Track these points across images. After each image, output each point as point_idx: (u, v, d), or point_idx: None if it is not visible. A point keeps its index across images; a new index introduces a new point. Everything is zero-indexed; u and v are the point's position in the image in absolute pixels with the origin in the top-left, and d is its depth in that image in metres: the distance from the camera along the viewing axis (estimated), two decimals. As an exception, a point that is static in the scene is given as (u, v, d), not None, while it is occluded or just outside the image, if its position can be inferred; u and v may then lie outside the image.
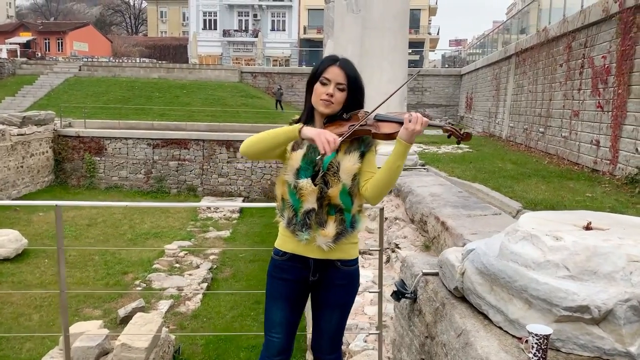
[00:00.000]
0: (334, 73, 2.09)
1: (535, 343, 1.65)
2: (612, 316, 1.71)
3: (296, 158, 2.10)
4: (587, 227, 2.05)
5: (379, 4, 6.36)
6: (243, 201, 18.76)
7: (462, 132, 2.08)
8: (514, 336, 1.89)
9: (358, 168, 2.09)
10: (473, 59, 27.77)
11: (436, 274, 2.50)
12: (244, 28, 48.80)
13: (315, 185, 2.06)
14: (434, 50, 49.24)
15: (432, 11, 50.41)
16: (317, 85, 2.11)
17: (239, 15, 48.89)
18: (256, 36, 45.54)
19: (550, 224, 2.07)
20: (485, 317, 2.05)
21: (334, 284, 2.21)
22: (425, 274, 2.53)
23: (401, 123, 2.02)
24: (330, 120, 2.13)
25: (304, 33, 47.21)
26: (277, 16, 48.46)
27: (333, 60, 2.13)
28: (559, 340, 1.77)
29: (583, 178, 7.56)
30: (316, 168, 2.09)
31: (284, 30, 48.28)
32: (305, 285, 2.22)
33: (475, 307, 2.12)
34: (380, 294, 2.81)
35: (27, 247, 11.40)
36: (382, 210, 2.75)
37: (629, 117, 7.41)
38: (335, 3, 11.68)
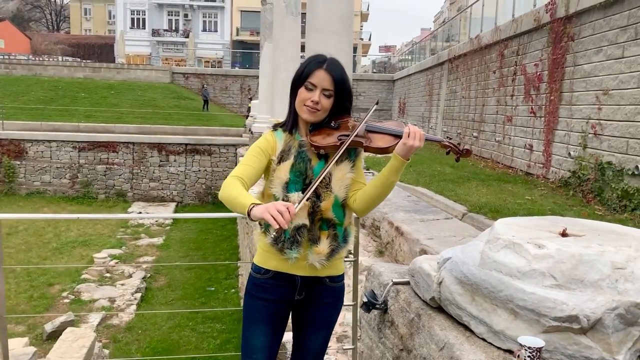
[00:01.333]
0: (321, 77, 1.89)
1: (528, 356, 1.59)
2: (601, 325, 1.67)
3: (284, 170, 1.93)
4: (564, 234, 2.03)
5: (324, 6, 6.28)
6: (177, 206, 18.18)
7: (461, 149, 1.97)
8: (499, 348, 1.82)
9: (351, 178, 1.96)
10: (404, 65, 28.43)
11: (407, 283, 2.42)
12: (174, 28, 47.58)
13: (307, 200, 1.87)
14: (366, 55, 50.10)
15: (364, 17, 51.29)
16: (302, 90, 1.91)
17: (168, 15, 47.64)
18: (187, 36, 44.55)
19: (527, 231, 2.04)
20: (467, 328, 1.98)
21: (321, 302, 2.05)
22: (395, 283, 2.44)
23: (396, 136, 1.88)
24: (316, 128, 1.96)
25: (237, 35, 46.65)
26: (208, 17, 47.61)
27: (319, 62, 1.92)
28: (547, 350, 1.72)
29: (519, 181, 7.83)
30: (307, 181, 1.93)
31: (216, 31, 47.49)
32: (289, 305, 2.04)
33: (455, 318, 2.04)
34: (355, 306, 2.69)
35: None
36: (357, 219, 2.64)
37: (561, 123, 7.75)
38: (274, 5, 11.54)
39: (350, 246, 2.13)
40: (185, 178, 18.62)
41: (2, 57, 36.98)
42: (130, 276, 11.06)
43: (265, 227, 1.98)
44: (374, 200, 1.96)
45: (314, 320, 2.08)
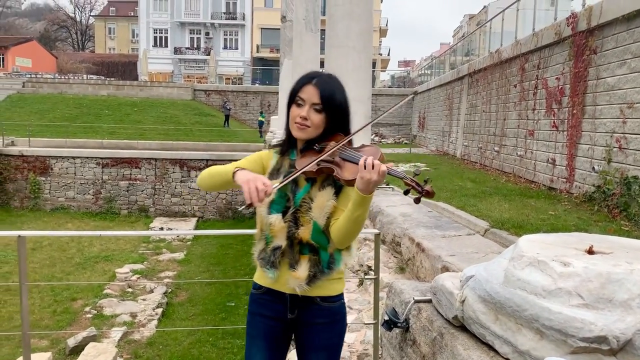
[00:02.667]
0: (309, 92, 1.83)
1: (556, 378, 1.54)
2: (631, 347, 1.63)
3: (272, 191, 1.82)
4: (590, 251, 1.98)
5: (343, 23, 6.32)
6: (197, 221, 18.30)
7: (423, 189, 1.73)
8: (525, 369, 1.78)
9: (333, 206, 1.84)
10: (423, 79, 28.40)
11: (429, 301, 2.39)
12: (195, 46, 48.37)
13: (284, 222, 1.85)
14: (384, 71, 50.22)
15: (383, 32, 51.50)
16: (293, 107, 1.87)
17: (190, 33, 48.47)
18: (208, 54, 45.22)
19: (553, 248, 2.00)
20: (491, 348, 1.94)
21: (315, 323, 1.95)
22: (417, 301, 2.41)
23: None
24: (305, 149, 1.90)
25: (257, 52, 47.20)
26: (229, 34, 48.31)
27: (309, 77, 1.88)
28: (575, 372, 1.67)
29: (542, 196, 7.70)
30: (288, 203, 1.87)
31: (236, 48, 48.14)
32: (284, 324, 1.98)
33: (479, 338, 2.00)
34: (376, 324, 2.66)
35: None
36: (378, 235, 2.61)
37: (584, 137, 7.63)
38: (293, 22, 11.66)
39: (341, 269, 1.95)
40: (206, 193, 18.75)
41: (29, 76, 37.99)
42: (151, 291, 11.11)
43: (258, 240, 2.00)
44: (346, 235, 1.82)
45: (312, 344, 1.98)
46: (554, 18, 9.52)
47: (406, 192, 1.78)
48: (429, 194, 1.75)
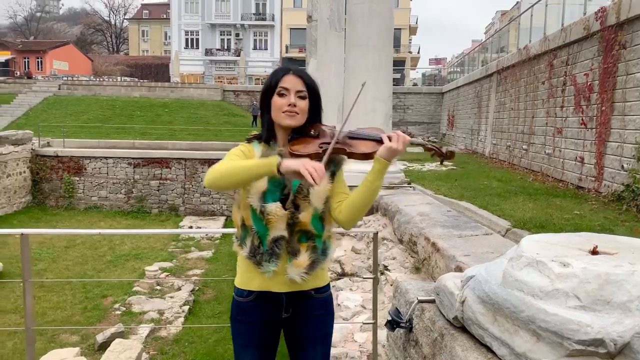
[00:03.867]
0: (292, 81, 1.89)
1: (550, 381, 1.51)
2: (629, 350, 1.58)
3: (262, 179, 1.85)
4: (594, 252, 1.93)
5: (363, 22, 6.30)
6: (226, 220, 18.49)
7: (444, 151, 1.93)
8: (521, 371, 1.75)
9: (330, 190, 1.90)
10: (453, 77, 28.06)
11: (433, 302, 2.36)
12: (226, 47, 48.88)
13: (285, 209, 1.86)
14: (414, 69, 49.80)
15: (413, 30, 51.04)
16: (275, 98, 1.89)
17: (221, 35, 49.00)
18: (238, 55, 45.63)
19: (555, 248, 1.95)
20: (489, 349, 1.91)
21: (312, 315, 1.98)
22: (421, 302, 2.39)
23: (378, 141, 1.85)
24: (294, 137, 1.93)
25: (286, 52, 47.42)
26: (259, 35, 48.65)
27: (286, 69, 1.93)
28: (572, 376, 1.63)
29: (569, 195, 7.53)
30: (285, 191, 1.88)
31: (266, 49, 48.45)
32: (277, 325, 1.99)
33: (478, 339, 1.98)
34: (375, 324, 2.65)
35: (0, 271, 11.04)
36: (376, 234, 2.59)
37: (613, 134, 7.42)
38: (318, 22, 11.67)
39: (332, 258, 2.05)
40: (234, 192, 18.92)
41: (65, 78, 39.04)
42: (179, 289, 11.27)
43: (241, 239, 1.95)
44: (361, 207, 1.88)
45: (308, 335, 2.00)
46: (583, 12, 9.28)
47: (432, 155, 1.96)
48: (452, 155, 1.94)
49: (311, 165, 1.65)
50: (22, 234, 2.32)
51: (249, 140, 1.98)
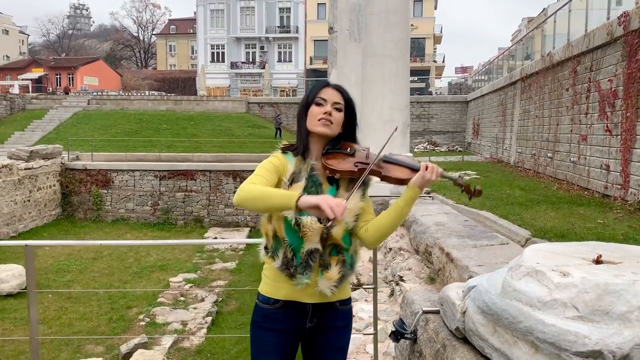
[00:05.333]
0: (330, 93, 1.95)
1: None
2: (629, 362, 1.53)
3: (297, 191, 1.87)
4: (597, 261, 1.88)
5: (379, 32, 6.31)
6: (250, 231, 18.60)
7: (473, 189, 2.00)
8: (521, 384, 1.71)
9: (361, 207, 1.96)
10: (479, 85, 27.81)
11: (438, 312, 2.33)
12: (251, 60, 49.47)
13: (320, 223, 1.87)
14: (439, 78, 49.52)
15: (437, 39, 50.86)
16: (313, 108, 1.94)
17: (246, 48, 49.63)
18: (263, 67, 46.10)
19: (557, 258, 1.91)
20: (489, 361, 1.87)
21: (334, 327, 2.03)
22: (425, 312, 2.37)
23: (412, 169, 1.93)
24: (330, 152, 1.96)
25: (310, 64, 47.74)
26: (283, 48, 49.12)
27: (326, 83, 2.00)
28: (570, 389, 1.59)
29: (594, 204, 7.36)
30: None
31: (290, 61, 48.86)
32: (300, 334, 2.02)
33: (478, 350, 1.95)
34: (375, 335, 2.63)
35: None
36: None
37: (639, 141, 7.24)
38: (338, 33, 11.73)
39: (369, 274, 2.10)
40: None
41: (95, 93, 40.03)
42: (202, 300, 11.36)
43: (273, 251, 1.96)
44: (388, 230, 1.96)
45: (329, 346, 2.04)
46: (607, 17, 9.12)
47: (462, 191, 2.03)
48: (479, 193, 2.01)
49: (333, 201, 1.68)
50: (26, 246, 2.38)
51: (284, 151, 2.01)
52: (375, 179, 2.00)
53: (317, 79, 42.88)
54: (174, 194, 19.13)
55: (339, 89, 1.98)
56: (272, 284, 1.98)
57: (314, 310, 1.97)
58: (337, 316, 2.02)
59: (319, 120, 1.92)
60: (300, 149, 1.98)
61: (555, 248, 2.10)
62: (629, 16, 7.51)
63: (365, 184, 1.97)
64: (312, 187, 1.92)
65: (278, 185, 1.92)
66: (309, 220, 1.87)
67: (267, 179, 1.89)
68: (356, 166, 1.92)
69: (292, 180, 1.93)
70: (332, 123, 1.92)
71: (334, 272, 1.92)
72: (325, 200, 1.68)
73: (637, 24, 7.26)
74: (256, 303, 2.04)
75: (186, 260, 14.77)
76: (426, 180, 1.88)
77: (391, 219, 1.92)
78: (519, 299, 1.77)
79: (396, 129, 2.25)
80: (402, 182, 1.94)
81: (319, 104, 1.93)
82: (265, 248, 2.00)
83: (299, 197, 1.71)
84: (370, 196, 2.06)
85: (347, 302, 2.07)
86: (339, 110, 1.94)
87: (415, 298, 2.54)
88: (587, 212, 6.51)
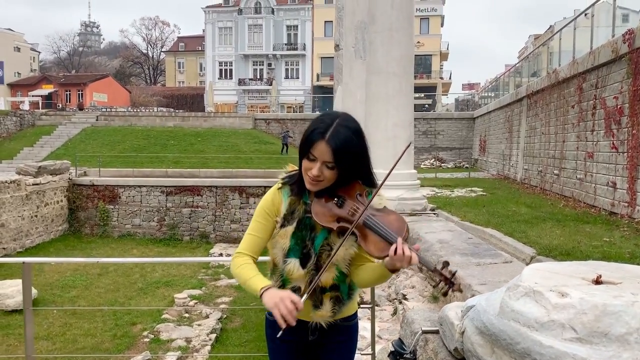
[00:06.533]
0: (321, 150, 1.78)
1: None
2: (628, 385, 1.50)
3: (286, 236, 1.88)
4: (597, 281, 1.86)
5: (382, 49, 6.35)
6: (256, 248, 18.55)
7: (452, 281, 1.71)
8: (519, 407, 1.68)
9: (353, 254, 1.88)
10: (486, 102, 27.83)
11: (437, 332, 2.31)
12: (258, 77, 49.84)
13: (304, 269, 1.85)
14: (446, 94, 49.62)
15: (444, 56, 51.08)
16: (305, 161, 1.83)
17: (253, 65, 50.03)
18: (270, 84, 46.40)
19: (556, 278, 1.89)
20: (488, 383, 1.85)
21: (336, 341, 2.04)
22: (425, 332, 2.34)
23: (390, 242, 1.71)
24: (324, 195, 1.86)
25: (317, 80, 48.01)
26: (291, 65, 49.48)
27: (322, 133, 1.80)
28: (569, 412, 1.56)
29: (600, 221, 7.29)
30: (305, 250, 1.87)
31: (297, 78, 49.18)
32: (305, 346, 2.04)
33: (477, 371, 1.92)
34: (373, 355, 2.60)
35: (35, 297, 11.28)
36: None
37: (645, 158, 7.21)
38: (343, 50, 11.80)
39: (358, 292, 2.07)
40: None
41: (104, 109, 40.39)
42: (207, 317, 11.30)
43: (272, 269, 1.98)
44: (369, 285, 2.01)
45: (330, 359, 2.05)
46: (612, 34, 9.13)
47: (434, 286, 1.80)
48: (457, 288, 1.72)
49: (285, 306, 1.67)
50: (23, 263, 2.39)
51: (284, 182, 1.96)
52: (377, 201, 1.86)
53: (324, 96, 43.17)
54: (180, 209, 19.15)
55: (332, 143, 1.78)
56: None
57: (314, 327, 1.98)
58: (339, 332, 2.02)
59: (308, 176, 1.84)
60: (295, 190, 1.92)
61: (554, 267, 2.08)
62: (634, 34, 7.52)
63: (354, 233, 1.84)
64: (303, 230, 1.87)
65: (272, 228, 1.92)
66: (291, 267, 1.87)
67: (259, 236, 1.92)
68: (337, 222, 1.81)
69: (284, 224, 1.89)
70: (321, 181, 1.83)
71: (327, 309, 1.92)
72: (279, 306, 1.68)
73: (642, 41, 7.27)
74: (266, 316, 2.06)
75: (191, 277, 14.73)
76: (394, 266, 1.71)
77: (371, 279, 1.90)
78: (516, 319, 1.75)
79: (408, 145, 2.21)
80: (375, 258, 1.80)
81: (310, 160, 1.82)
82: (269, 269, 2.03)
83: (263, 292, 1.75)
84: None
85: (351, 318, 2.05)
86: (330, 168, 1.80)
87: (416, 317, 2.51)
88: (594, 230, 6.45)
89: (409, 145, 2.32)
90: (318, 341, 2.01)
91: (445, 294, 1.79)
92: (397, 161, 1.96)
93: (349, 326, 2.04)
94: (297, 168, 1.98)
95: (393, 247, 1.67)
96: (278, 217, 1.91)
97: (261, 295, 1.75)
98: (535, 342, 1.64)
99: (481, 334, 1.89)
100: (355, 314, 2.09)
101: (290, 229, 1.87)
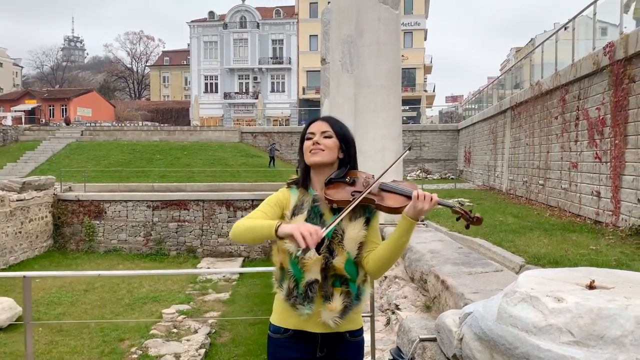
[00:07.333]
0: (317, 126, 2.01)
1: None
2: (624, 386, 1.55)
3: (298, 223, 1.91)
4: (591, 286, 1.91)
5: (370, 62, 6.44)
6: (243, 261, 18.49)
7: (472, 216, 1.88)
8: (519, 411, 1.72)
9: (364, 236, 1.95)
10: (469, 114, 28.15)
11: (435, 340, 2.34)
12: (244, 90, 49.90)
13: (319, 254, 1.90)
14: (430, 107, 50.07)
15: (427, 69, 51.64)
16: (305, 143, 2.01)
17: (239, 79, 50.10)
18: (256, 98, 46.48)
19: (551, 283, 1.94)
20: (487, 388, 1.88)
21: (344, 357, 2.04)
22: (422, 340, 2.37)
23: (408, 197, 1.85)
24: (332, 181, 1.99)
25: (303, 93, 48.23)
26: (276, 78, 49.65)
27: (314, 118, 2.09)
28: (568, 414, 1.60)
29: (586, 230, 7.42)
30: None
31: (283, 91, 49.34)
32: None
33: (476, 377, 1.95)
34: (372, 364, 2.63)
35: (20, 315, 11.10)
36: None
37: (627, 167, 7.35)
38: (330, 64, 11.90)
39: (366, 302, 2.10)
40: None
41: (89, 124, 40.09)
42: (195, 331, 11.21)
43: (279, 281, 2.01)
44: (387, 262, 1.94)
45: None
46: (592, 47, 9.35)
47: (458, 219, 1.90)
48: (479, 221, 1.88)
49: (306, 229, 1.70)
50: (24, 277, 2.38)
51: (289, 185, 2.07)
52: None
53: (310, 109, 43.34)
54: (166, 224, 19.04)
55: (326, 119, 2.05)
56: (282, 313, 2.02)
57: (323, 340, 1.98)
58: (347, 347, 2.02)
59: (310, 151, 1.98)
60: (300, 182, 2.04)
61: (548, 274, 2.13)
62: (614, 46, 7.71)
63: (370, 212, 1.98)
64: (314, 217, 1.95)
65: (281, 217, 1.98)
66: (310, 253, 1.87)
67: (268, 214, 1.97)
68: (352, 195, 1.91)
69: (294, 213, 1.97)
70: (323, 150, 1.97)
71: (337, 303, 1.93)
72: (300, 228, 1.70)
73: (622, 54, 7.45)
74: (268, 334, 2.06)
75: (179, 292, 14.61)
76: (419, 210, 1.81)
77: (388, 251, 1.90)
78: (514, 324, 1.79)
79: (407, 149, 2.27)
80: (395, 211, 1.88)
81: (309, 138, 2.00)
82: (275, 278, 2.06)
83: (278, 225, 1.77)
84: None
85: (358, 333, 2.06)
86: (328, 137, 1.98)
87: (412, 326, 2.54)
88: (580, 239, 6.56)
89: (410, 147, 2.37)
90: (326, 357, 2.01)
91: (467, 227, 1.91)
92: (401, 156, 2.20)
93: (355, 342, 2.05)
94: (297, 178, 2.09)
95: (415, 192, 1.81)
96: (287, 210, 1.99)
97: (277, 230, 1.77)
98: (534, 346, 1.68)
99: (480, 339, 1.93)
100: (362, 330, 2.10)
101: (302, 216, 1.95)
